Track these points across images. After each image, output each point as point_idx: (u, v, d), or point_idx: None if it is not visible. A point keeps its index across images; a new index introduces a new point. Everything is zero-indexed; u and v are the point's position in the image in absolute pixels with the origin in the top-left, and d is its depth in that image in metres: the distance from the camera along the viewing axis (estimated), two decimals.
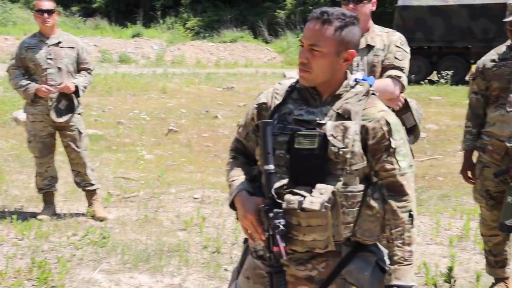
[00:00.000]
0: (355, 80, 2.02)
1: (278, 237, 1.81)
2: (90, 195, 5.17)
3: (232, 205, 2.03)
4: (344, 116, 1.93)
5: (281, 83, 2.11)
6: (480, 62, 3.61)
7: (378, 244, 2.00)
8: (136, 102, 12.20)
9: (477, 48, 17.16)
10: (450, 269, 3.59)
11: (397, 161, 1.91)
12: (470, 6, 16.90)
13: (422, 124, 3.51)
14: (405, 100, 3.35)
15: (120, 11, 31.12)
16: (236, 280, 2.21)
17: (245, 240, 2.27)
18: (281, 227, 1.82)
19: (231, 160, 2.16)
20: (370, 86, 2.03)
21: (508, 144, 3.38)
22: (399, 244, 1.89)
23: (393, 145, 1.91)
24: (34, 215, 5.02)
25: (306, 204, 1.83)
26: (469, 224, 4.70)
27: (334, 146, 1.88)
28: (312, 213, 1.85)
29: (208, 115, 11.03)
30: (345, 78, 2.00)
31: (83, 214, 5.14)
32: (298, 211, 1.85)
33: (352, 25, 1.92)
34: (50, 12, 4.90)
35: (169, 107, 11.66)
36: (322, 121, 1.93)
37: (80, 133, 5.07)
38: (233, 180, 2.05)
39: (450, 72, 16.16)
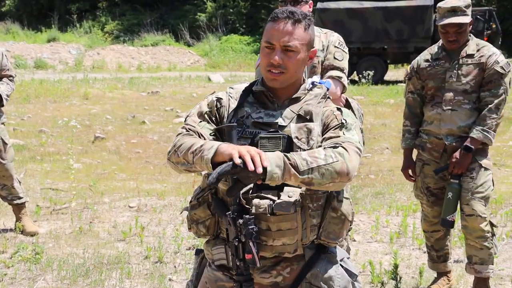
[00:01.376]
0: (312, 83, 2.04)
1: (251, 243, 1.75)
2: (18, 209, 4.87)
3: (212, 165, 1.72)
4: (305, 117, 1.92)
5: (233, 87, 2.07)
6: (414, 62, 3.71)
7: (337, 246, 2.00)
8: (57, 109, 11.70)
9: (392, 49, 17.92)
10: (396, 267, 3.65)
11: (343, 133, 1.84)
12: (384, 9, 17.59)
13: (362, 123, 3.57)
14: (346, 100, 3.38)
15: (33, 14, 29.89)
16: None
17: (197, 252, 2.18)
18: (254, 233, 1.76)
19: (182, 135, 1.89)
20: (328, 89, 2.06)
21: (446, 142, 3.49)
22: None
23: (343, 121, 1.86)
24: None
25: (277, 208, 1.79)
26: (406, 221, 4.82)
27: (300, 148, 1.85)
28: (283, 216, 1.81)
29: (134, 121, 10.75)
30: (303, 81, 2.01)
31: (11, 230, 4.85)
32: (268, 215, 1.81)
33: (312, 24, 1.97)
34: None
35: (94, 114, 11.27)
36: (284, 123, 1.91)
37: (5, 143, 4.76)
38: (202, 145, 1.77)
39: (370, 72, 16.69)
